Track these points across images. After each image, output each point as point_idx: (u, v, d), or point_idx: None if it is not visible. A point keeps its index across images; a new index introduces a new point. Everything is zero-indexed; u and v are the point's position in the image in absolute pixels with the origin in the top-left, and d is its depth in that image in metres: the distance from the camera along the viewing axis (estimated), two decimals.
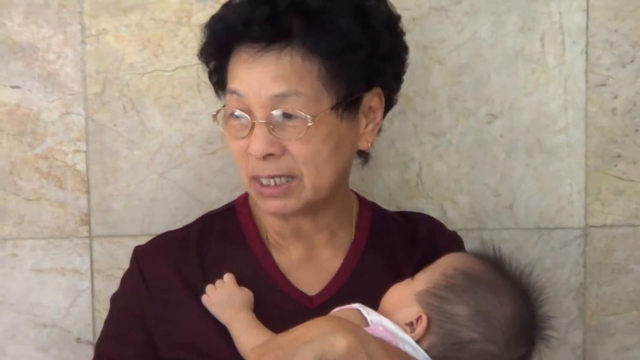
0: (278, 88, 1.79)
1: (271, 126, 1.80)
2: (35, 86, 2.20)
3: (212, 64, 1.92)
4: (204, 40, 1.92)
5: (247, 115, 1.81)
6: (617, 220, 2.26)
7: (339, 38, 1.82)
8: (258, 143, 1.80)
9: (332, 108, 1.81)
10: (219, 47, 1.88)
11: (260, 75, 1.81)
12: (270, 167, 1.82)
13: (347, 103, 1.83)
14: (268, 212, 1.88)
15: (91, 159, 2.23)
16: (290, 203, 1.85)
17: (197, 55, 1.95)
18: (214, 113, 1.87)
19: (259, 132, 1.80)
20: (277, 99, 1.79)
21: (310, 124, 1.79)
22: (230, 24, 1.84)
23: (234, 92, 1.83)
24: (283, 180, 1.84)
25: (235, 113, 1.82)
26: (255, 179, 1.83)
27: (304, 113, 1.79)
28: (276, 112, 1.80)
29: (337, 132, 1.84)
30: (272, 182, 1.84)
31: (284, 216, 1.89)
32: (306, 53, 1.81)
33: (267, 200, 1.85)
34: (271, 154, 1.80)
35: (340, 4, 1.85)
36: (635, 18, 2.18)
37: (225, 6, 1.90)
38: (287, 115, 1.80)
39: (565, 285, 2.26)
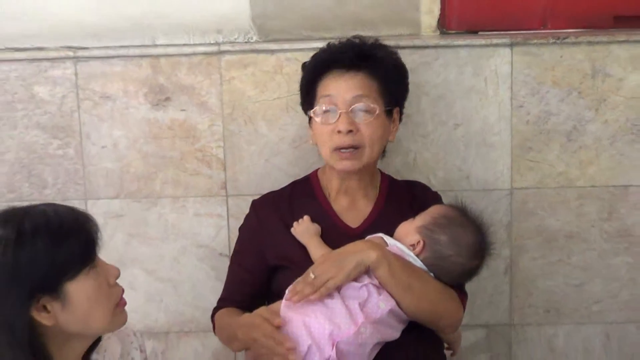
0: (356, 92, 1.90)
1: (351, 114, 1.89)
2: (194, 110, 2.29)
3: (304, 89, 1.99)
4: (303, 74, 1.99)
5: (336, 108, 1.90)
6: (530, 185, 2.26)
7: (386, 70, 1.94)
8: (344, 124, 1.88)
9: (382, 111, 1.94)
10: (315, 73, 1.94)
11: (345, 84, 1.91)
12: (348, 140, 1.89)
13: (387, 110, 1.96)
14: (341, 169, 1.92)
15: (226, 151, 2.27)
16: (355, 163, 1.91)
17: (299, 83, 1.99)
18: (311, 111, 1.95)
19: (345, 118, 1.89)
20: (356, 98, 1.90)
21: (377, 113, 1.89)
22: (325, 59, 1.95)
23: (327, 95, 1.91)
24: (353, 150, 1.89)
25: (329, 108, 1.90)
26: (337, 149, 1.90)
27: (372, 105, 1.90)
28: (355, 106, 1.89)
29: (383, 125, 1.94)
30: (348, 151, 1.90)
31: (348, 173, 1.94)
32: (369, 76, 1.92)
33: (343, 162, 1.91)
34: (350, 130, 1.88)
35: (387, 55, 1.97)
36: (540, 68, 2.23)
37: (321, 50, 1.98)
38: (361, 109, 1.88)
39: (500, 223, 2.30)
